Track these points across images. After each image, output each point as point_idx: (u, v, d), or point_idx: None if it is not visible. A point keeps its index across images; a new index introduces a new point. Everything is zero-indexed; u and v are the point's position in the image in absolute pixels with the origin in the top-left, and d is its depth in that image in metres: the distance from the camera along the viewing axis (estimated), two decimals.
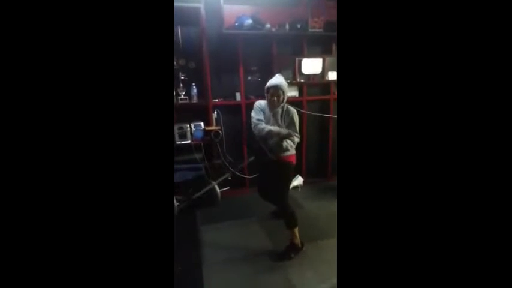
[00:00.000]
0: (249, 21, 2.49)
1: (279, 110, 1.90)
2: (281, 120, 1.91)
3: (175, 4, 2.06)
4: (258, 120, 1.91)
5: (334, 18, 2.75)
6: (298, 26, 2.69)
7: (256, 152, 2.15)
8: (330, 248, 2.05)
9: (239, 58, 2.73)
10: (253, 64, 2.84)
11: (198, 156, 2.60)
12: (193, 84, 2.59)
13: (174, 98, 2.53)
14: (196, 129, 2.60)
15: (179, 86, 2.56)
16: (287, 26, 2.67)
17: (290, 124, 1.89)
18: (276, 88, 1.83)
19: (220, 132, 2.64)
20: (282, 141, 1.88)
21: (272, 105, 1.89)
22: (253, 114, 1.94)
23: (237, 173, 2.83)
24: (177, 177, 2.50)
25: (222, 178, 2.68)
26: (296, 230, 1.98)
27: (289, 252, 1.98)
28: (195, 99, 2.61)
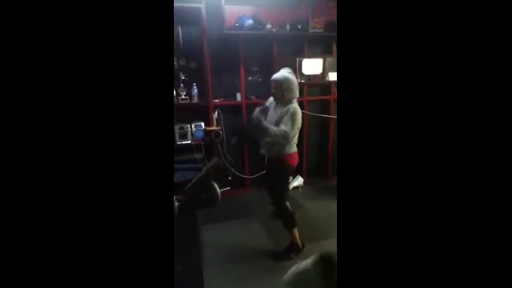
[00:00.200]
0: (250, 22, 2.49)
1: (283, 107, 1.79)
2: (279, 118, 1.80)
3: (176, 4, 2.06)
4: (259, 109, 1.86)
5: (334, 18, 2.76)
6: (299, 26, 2.69)
7: (241, 134, 2.12)
8: (330, 248, 2.05)
9: (240, 58, 2.73)
10: (253, 64, 2.85)
11: (198, 156, 2.60)
12: (194, 84, 2.60)
13: (175, 98, 2.53)
14: (196, 130, 2.61)
15: (180, 86, 2.56)
16: (288, 27, 2.67)
17: (283, 118, 1.77)
18: (275, 82, 1.79)
19: (220, 132, 2.65)
20: (275, 142, 1.81)
21: (274, 99, 1.88)
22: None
23: (236, 173, 2.83)
24: (177, 177, 2.50)
25: (211, 164, 2.59)
26: (295, 231, 1.97)
27: (289, 252, 1.97)
28: (195, 100, 2.61)
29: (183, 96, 2.57)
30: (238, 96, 2.81)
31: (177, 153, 2.52)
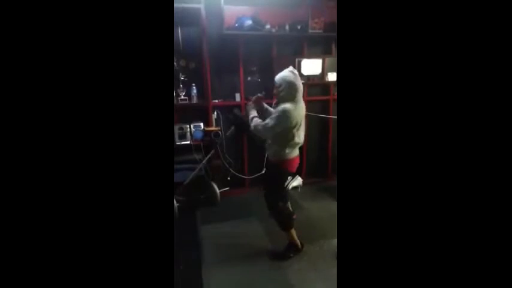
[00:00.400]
0: (249, 22, 2.49)
1: (277, 106, 1.79)
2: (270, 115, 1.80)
3: (176, 5, 2.06)
4: (251, 103, 1.92)
5: (334, 19, 2.76)
6: (298, 27, 2.69)
7: (235, 123, 2.13)
8: (330, 248, 2.05)
9: (239, 59, 2.73)
10: (253, 65, 2.85)
11: (197, 156, 2.60)
12: (193, 84, 2.59)
13: (174, 98, 2.53)
14: (196, 130, 2.60)
15: (179, 87, 2.56)
16: (287, 27, 2.67)
17: (271, 114, 1.78)
18: (275, 81, 1.80)
19: (219, 132, 2.65)
20: (273, 144, 1.83)
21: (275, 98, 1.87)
22: None
23: (235, 173, 2.83)
24: (177, 177, 2.50)
25: (209, 155, 2.62)
26: (292, 232, 1.97)
27: (288, 251, 1.98)
28: (195, 100, 2.61)
29: (182, 97, 2.56)
30: (238, 97, 2.81)
31: (176, 153, 2.52)
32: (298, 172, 3.07)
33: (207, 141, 2.64)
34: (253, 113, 1.88)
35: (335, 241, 2.12)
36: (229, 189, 2.90)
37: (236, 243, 2.18)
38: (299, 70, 2.89)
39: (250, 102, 1.94)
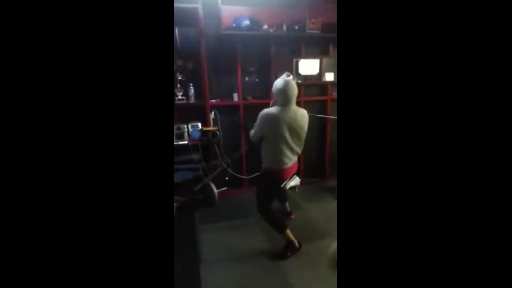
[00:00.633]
0: (247, 22, 2.49)
1: None
2: None
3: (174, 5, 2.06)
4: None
5: (331, 19, 2.77)
6: (296, 27, 2.70)
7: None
8: (330, 248, 2.06)
9: (237, 59, 2.73)
10: (250, 65, 2.84)
11: (195, 156, 2.59)
12: (191, 84, 2.59)
13: None
14: (193, 130, 2.60)
15: (176, 87, 2.55)
16: (284, 27, 2.67)
17: None
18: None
19: (217, 132, 2.64)
20: (264, 151, 1.89)
21: None
22: None
23: (233, 173, 2.83)
24: (176, 177, 2.49)
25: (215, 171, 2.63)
26: (288, 233, 1.99)
27: (285, 251, 1.99)
28: (192, 100, 2.60)
29: (180, 97, 2.56)
30: (235, 97, 2.81)
31: (174, 153, 2.52)
32: (296, 172, 3.09)
33: (205, 141, 2.64)
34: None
35: (335, 241, 2.13)
36: (227, 189, 2.90)
37: (234, 243, 2.18)
38: (297, 70, 2.90)
39: None
